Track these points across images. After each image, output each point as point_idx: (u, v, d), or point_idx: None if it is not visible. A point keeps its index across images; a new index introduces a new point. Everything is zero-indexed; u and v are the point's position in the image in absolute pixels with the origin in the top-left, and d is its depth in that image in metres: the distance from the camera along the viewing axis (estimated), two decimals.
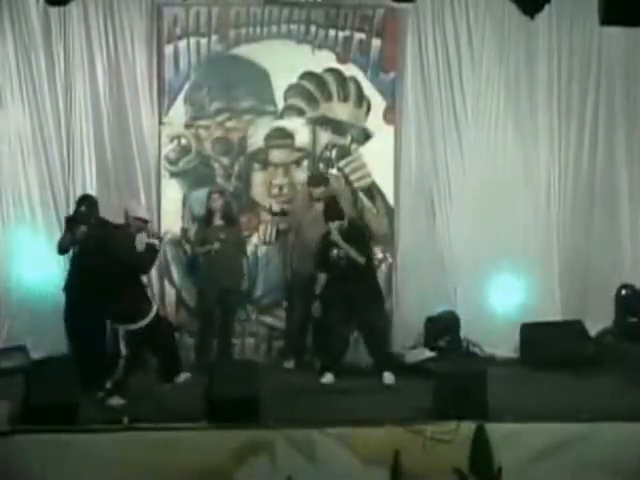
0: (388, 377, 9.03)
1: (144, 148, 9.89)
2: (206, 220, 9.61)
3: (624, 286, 10.07)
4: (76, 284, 8.82)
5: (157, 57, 9.86)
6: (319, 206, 9.57)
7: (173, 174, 9.94)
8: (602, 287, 10.12)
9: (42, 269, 9.63)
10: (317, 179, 9.80)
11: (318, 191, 9.64)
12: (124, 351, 8.26)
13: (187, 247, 9.85)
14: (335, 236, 9.04)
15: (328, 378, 9.05)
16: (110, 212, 9.66)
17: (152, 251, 8.37)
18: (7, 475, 7.13)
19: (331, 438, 7.45)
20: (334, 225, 9.09)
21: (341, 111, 10.08)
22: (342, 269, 9.07)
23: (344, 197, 9.95)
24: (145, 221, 8.45)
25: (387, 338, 9.45)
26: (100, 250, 8.36)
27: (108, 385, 8.17)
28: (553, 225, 10.29)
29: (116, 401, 8.10)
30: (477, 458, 7.32)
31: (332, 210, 9.22)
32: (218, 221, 9.56)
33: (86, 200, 9.04)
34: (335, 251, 9.07)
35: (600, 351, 9.72)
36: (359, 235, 9.25)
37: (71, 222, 8.95)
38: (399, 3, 9.69)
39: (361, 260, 9.01)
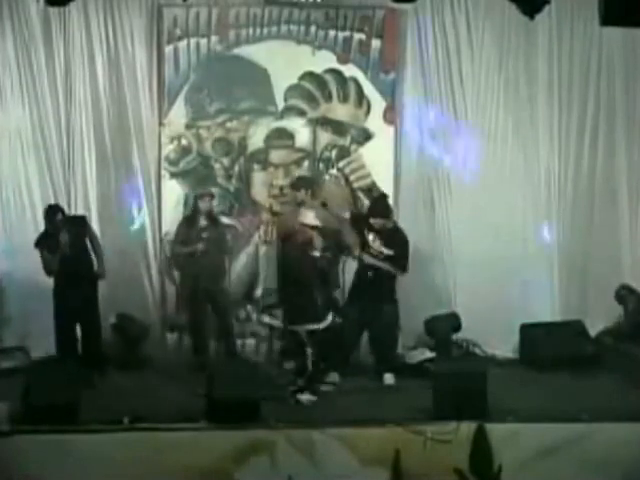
0: (389, 378, 9.03)
1: (144, 148, 9.90)
2: (190, 221, 9.60)
3: (624, 286, 10.07)
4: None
5: (157, 57, 9.86)
6: (302, 210, 9.54)
7: (173, 174, 9.95)
8: (602, 287, 10.11)
9: (42, 268, 9.64)
10: (299, 182, 9.68)
11: (300, 195, 9.59)
12: (309, 351, 8.48)
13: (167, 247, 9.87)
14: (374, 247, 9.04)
15: (334, 377, 9.04)
16: (110, 212, 9.73)
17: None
18: (7, 475, 7.14)
19: (331, 438, 7.46)
20: (376, 222, 9.08)
21: (341, 111, 10.08)
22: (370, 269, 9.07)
23: (343, 197, 9.98)
24: (314, 227, 8.54)
25: (395, 340, 9.43)
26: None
27: (300, 383, 8.36)
28: (553, 225, 10.29)
29: (307, 397, 8.28)
30: (477, 458, 7.32)
31: (379, 207, 9.25)
32: (202, 222, 9.55)
33: (57, 209, 9.04)
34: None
35: (600, 351, 9.72)
36: (401, 240, 9.19)
37: (44, 242, 8.93)
38: (399, 3, 9.71)
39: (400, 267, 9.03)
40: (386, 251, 9.04)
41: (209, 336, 9.62)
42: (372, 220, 9.12)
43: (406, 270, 9.15)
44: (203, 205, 9.53)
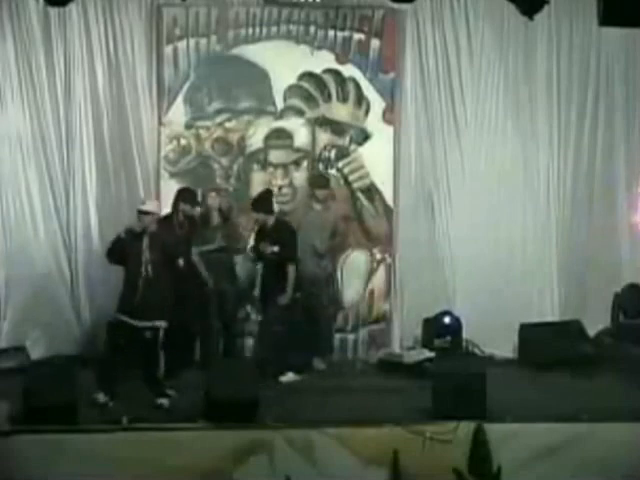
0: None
1: (144, 148, 9.90)
2: (203, 220, 9.59)
3: (623, 286, 10.07)
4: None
5: (157, 58, 9.87)
6: (319, 206, 9.59)
7: (173, 174, 9.95)
8: (601, 287, 10.13)
9: (42, 270, 9.65)
10: (320, 180, 9.79)
11: (322, 193, 9.64)
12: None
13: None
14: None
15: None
16: (109, 213, 9.73)
17: None
18: (7, 475, 7.14)
19: (330, 438, 7.46)
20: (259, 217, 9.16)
21: (340, 111, 10.09)
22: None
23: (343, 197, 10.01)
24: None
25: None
26: None
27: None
28: (552, 225, 10.30)
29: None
30: (476, 458, 7.34)
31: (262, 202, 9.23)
32: (215, 220, 9.51)
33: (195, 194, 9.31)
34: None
35: (598, 351, 9.72)
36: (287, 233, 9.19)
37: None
38: (398, 4, 9.72)
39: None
40: (273, 248, 9.01)
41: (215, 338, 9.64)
42: (255, 215, 9.17)
43: (294, 260, 9.09)
44: (210, 202, 9.47)
